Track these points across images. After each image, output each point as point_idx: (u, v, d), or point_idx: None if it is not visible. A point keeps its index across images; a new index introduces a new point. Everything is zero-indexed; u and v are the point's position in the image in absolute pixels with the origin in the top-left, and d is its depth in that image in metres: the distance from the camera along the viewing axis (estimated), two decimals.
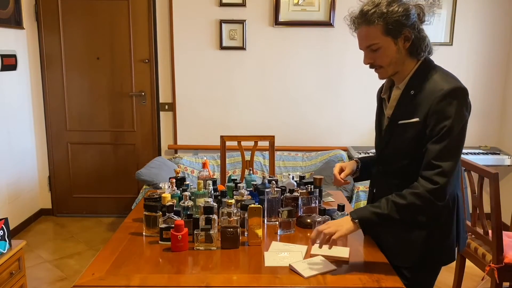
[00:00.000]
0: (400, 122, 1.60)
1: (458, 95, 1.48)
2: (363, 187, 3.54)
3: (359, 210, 1.61)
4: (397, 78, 1.64)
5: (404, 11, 1.51)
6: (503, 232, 2.42)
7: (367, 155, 1.99)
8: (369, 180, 1.90)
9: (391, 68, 1.59)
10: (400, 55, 1.57)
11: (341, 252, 1.69)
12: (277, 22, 4.06)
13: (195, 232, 1.74)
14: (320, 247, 1.59)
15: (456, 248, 1.68)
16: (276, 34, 4.10)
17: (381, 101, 1.76)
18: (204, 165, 2.42)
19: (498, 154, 3.92)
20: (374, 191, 1.79)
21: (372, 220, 1.56)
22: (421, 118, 1.53)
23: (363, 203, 3.43)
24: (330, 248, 1.58)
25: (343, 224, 1.58)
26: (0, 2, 3.64)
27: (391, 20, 1.50)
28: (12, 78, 3.86)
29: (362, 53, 1.63)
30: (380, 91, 1.81)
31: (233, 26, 4.08)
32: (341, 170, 1.86)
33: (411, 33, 1.54)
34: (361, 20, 1.56)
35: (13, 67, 3.85)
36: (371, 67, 1.63)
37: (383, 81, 1.76)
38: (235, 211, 1.78)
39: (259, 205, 1.79)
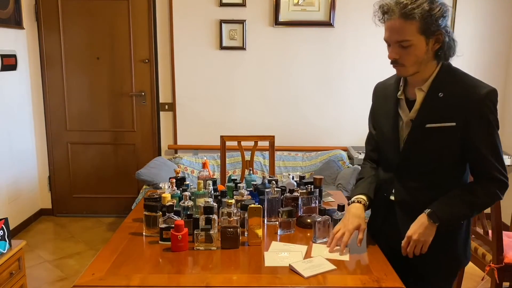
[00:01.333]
0: (428, 125, 1.55)
1: (494, 98, 1.52)
2: None
3: (439, 211, 1.54)
4: (416, 79, 1.59)
5: (443, 12, 1.47)
6: (503, 232, 2.42)
7: (363, 180, 1.83)
8: None
9: (414, 68, 1.54)
10: (427, 56, 1.53)
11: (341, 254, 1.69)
12: (277, 22, 4.06)
13: (195, 232, 1.74)
14: (411, 255, 1.58)
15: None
16: (276, 34, 4.10)
17: (396, 102, 1.66)
18: (204, 165, 2.42)
19: None
20: (392, 197, 1.69)
21: (450, 220, 1.56)
22: (458, 123, 1.51)
23: None
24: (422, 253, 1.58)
25: (426, 231, 1.55)
26: (0, 2, 3.64)
27: (431, 19, 1.46)
28: (12, 78, 3.86)
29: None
30: (381, 89, 1.76)
31: (233, 26, 4.08)
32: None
33: (444, 36, 1.50)
34: (399, 13, 1.47)
35: (13, 67, 3.85)
36: (392, 62, 1.57)
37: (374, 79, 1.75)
38: (235, 211, 1.78)
39: (259, 205, 1.79)
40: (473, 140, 1.52)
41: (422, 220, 1.56)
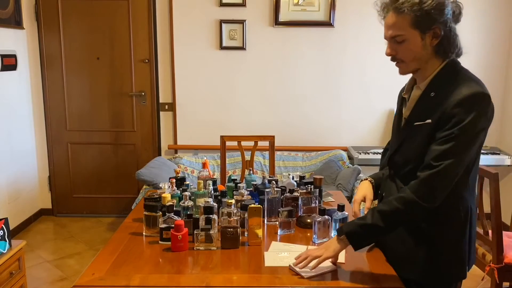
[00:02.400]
0: (416, 123, 1.51)
1: (477, 102, 1.39)
2: None
3: (345, 225, 1.56)
4: (419, 76, 1.54)
5: (438, 5, 1.41)
6: (503, 232, 2.42)
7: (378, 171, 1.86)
8: None
9: (413, 65, 1.49)
10: (425, 52, 1.46)
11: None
12: (277, 22, 4.06)
13: (195, 232, 1.74)
14: (302, 267, 1.54)
15: (467, 266, 1.55)
16: (276, 34, 4.10)
17: (402, 101, 1.66)
18: (204, 165, 2.42)
19: (498, 154, 3.92)
20: (384, 195, 1.70)
21: (358, 233, 1.50)
22: (433, 120, 1.44)
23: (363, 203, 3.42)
24: (313, 268, 1.54)
25: (330, 245, 1.55)
26: (0, 2, 3.64)
27: (422, 12, 1.40)
28: (12, 78, 3.86)
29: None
30: (403, 87, 1.70)
31: (233, 26, 4.08)
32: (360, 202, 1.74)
33: (441, 30, 1.43)
34: (391, 7, 1.45)
35: (13, 67, 3.85)
36: (392, 59, 1.52)
37: (396, 80, 1.68)
38: (235, 211, 1.78)
39: (259, 205, 1.79)
40: (436, 137, 1.43)
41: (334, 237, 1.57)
